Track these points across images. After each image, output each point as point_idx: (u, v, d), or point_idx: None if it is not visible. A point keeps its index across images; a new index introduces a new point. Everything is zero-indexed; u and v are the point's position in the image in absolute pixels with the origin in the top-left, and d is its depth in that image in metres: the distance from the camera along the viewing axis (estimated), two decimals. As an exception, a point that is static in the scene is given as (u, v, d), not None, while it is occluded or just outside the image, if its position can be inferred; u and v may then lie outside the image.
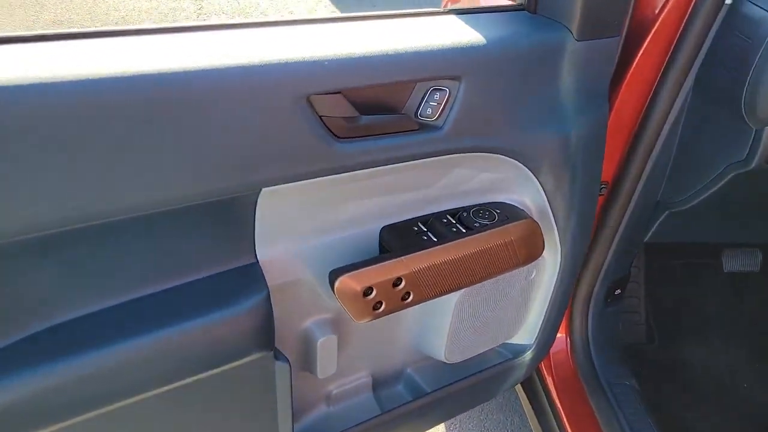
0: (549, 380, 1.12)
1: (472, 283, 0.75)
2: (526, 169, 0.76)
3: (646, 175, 0.92)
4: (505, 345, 0.98)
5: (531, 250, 0.77)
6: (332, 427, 0.86)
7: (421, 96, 0.67)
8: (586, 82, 0.75)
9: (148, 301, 0.60)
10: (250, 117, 0.56)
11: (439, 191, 0.77)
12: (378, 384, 0.92)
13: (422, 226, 0.74)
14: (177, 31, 0.58)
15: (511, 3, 0.78)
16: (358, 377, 0.89)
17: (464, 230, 0.74)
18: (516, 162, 0.75)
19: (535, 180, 0.78)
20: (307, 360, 0.80)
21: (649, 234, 1.10)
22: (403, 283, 0.68)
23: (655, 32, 0.81)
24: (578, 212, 0.83)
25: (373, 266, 0.66)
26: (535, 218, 0.80)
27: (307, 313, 0.77)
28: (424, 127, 0.68)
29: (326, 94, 0.59)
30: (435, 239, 0.72)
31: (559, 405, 1.09)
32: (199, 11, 3.37)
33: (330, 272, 0.66)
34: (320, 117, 0.60)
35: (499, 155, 0.74)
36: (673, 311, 1.43)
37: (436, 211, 0.78)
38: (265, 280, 0.66)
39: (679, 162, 0.97)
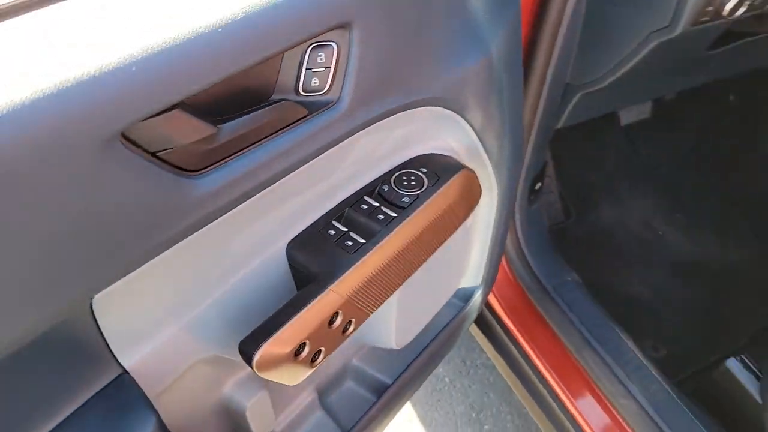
0: (496, 304, 1.13)
1: (417, 267, 0.63)
2: (450, 112, 0.63)
3: (556, 57, 0.85)
4: (454, 294, 0.97)
5: (470, 202, 0.68)
6: None
7: (297, 62, 0.47)
8: None
9: None
10: (37, 192, 0.34)
11: (346, 171, 0.60)
12: (324, 393, 0.83)
13: (339, 226, 0.59)
14: None
15: None
16: (302, 400, 0.79)
17: (393, 213, 0.59)
18: (437, 108, 0.62)
19: (462, 120, 0.65)
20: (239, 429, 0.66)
21: (562, 120, 1.09)
22: (340, 317, 0.54)
23: None
24: (510, 138, 0.74)
25: (299, 314, 0.51)
26: (465, 161, 0.72)
27: (218, 386, 0.62)
28: (314, 108, 0.49)
29: (151, 117, 0.39)
30: (362, 240, 0.57)
31: (510, 325, 1.11)
32: None
33: (240, 344, 0.49)
34: (154, 155, 0.40)
35: (418, 108, 0.59)
36: (580, 176, 1.50)
37: (348, 194, 0.62)
38: (140, 391, 0.50)
39: (590, 38, 0.92)
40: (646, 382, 0.98)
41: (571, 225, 1.45)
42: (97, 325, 0.45)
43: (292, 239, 0.59)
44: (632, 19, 0.87)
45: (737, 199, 1.49)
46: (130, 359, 0.49)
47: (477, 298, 0.96)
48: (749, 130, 1.50)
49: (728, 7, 0.80)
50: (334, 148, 0.53)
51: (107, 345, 0.47)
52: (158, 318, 0.51)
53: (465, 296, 0.96)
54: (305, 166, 0.52)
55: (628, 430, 0.95)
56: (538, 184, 1.15)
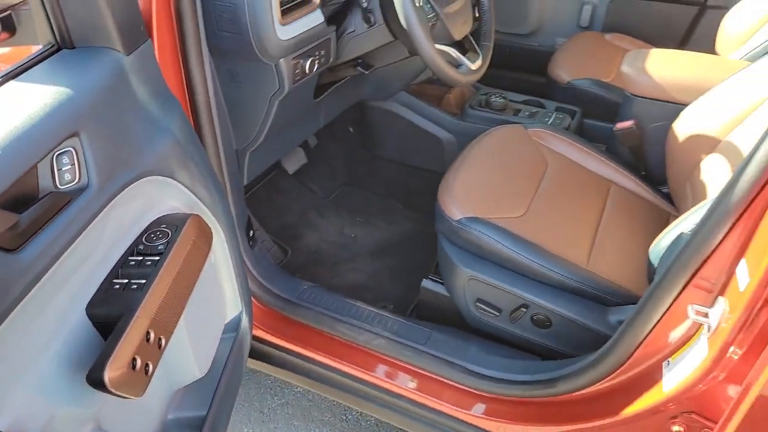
0: (263, 334, 1.38)
1: (191, 291, 0.83)
2: (166, 178, 0.88)
3: (219, 132, 1.16)
4: (225, 330, 1.18)
5: (207, 239, 0.91)
6: None
7: (49, 168, 0.67)
8: (154, 85, 0.86)
9: None
10: None
11: (107, 243, 0.80)
12: None
13: (120, 280, 0.77)
14: None
15: (41, 48, 0.80)
16: None
17: (156, 257, 0.79)
18: (157, 177, 0.85)
19: (175, 182, 0.90)
20: None
21: (245, 177, 1.42)
22: (152, 333, 0.72)
23: (158, 21, 0.99)
24: (214, 189, 1.02)
25: (122, 338, 0.68)
26: (191, 212, 0.95)
27: None
28: (75, 194, 0.70)
29: None
30: (143, 280, 0.76)
31: (281, 342, 1.37)
32: None
33: (87, 376, 0.65)
34: None
35: (142, 179, 0.82)
36: (280, 221, 1.90)
37: (116, 259, 0.81)
38: None
39: (237, 112, 1.27)
40: (384, 322, 1.35)
41: (291, 259, 1.79)
42: None
43: (89, 303, 0.75)
44: (256, 91, 1.25)
45: (383, 192, 2.05)
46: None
47: (244, 322, 1.19)
48: (370, 144, 2.08)
49: (307, 66, 1.25)
50: (96, 221, 0.73)
51: None
52: (10, 383, 0.62)
53: (234, 326, 1.19)
54: (82, 240, 0.71)
55: (386, 357, 1.30)
56: (252, 232, 1.45)
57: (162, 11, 1.03)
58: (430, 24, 1.23)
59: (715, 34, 1.96)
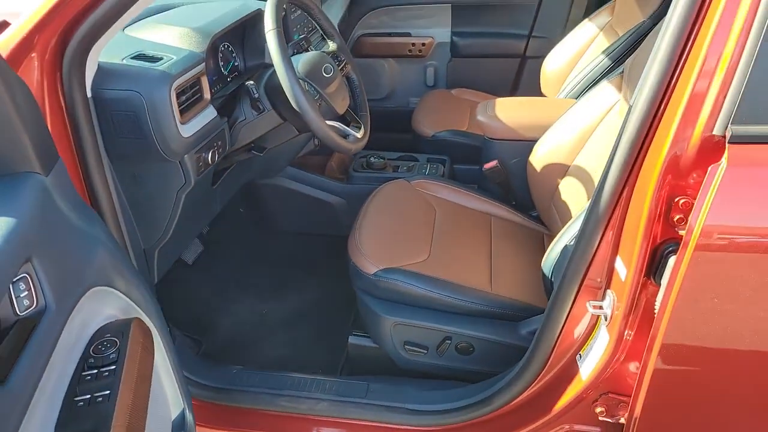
0: (203, 430, 1.37)
1: (149, 389, 0.84)
2: (105, 287, 0.89)
3: (125, 232, 1.18)
4: (173, 428, 1.16)
5: (151, 338, 0.92)
6: None
7: (7, 297, 0.69)
8: (72, 199, 0.88)
9: None
10: None
11: (60, 363, 0.78)
12: None
13: (82, 396, 0.76)
14: None
15: None
16: None
17: (112, 366, 0.80)
18: (99, 287, 0.87)
19: (113, 290, 0.92)
20: None
21: (156, 276, 1.42)
22: None
23: (54, 137, 0.99)
24: (143, 286, 1.03)
25: None
26: (128, 316, 0.95)
27: None
28: (38, 317, 0.71)
29: None
30: (107, 391, 0.76)
31: None
32: None
33: None
34: None
35: (87, 292, 0.83)
36: (188, 314, 1.91)
37: (67, 381, 0.79)
38: None
39: (143, 212, 1.28)
40: (322, 386, 1.40)
41: (209, 348, 1.77)
42: None
43: (56, 426, 0.74)
44: (162, 188, 1.28)
45: (285, 264, 2.11)
46: None
47: (189, 418, 1.17)
48: (264, 221, 2.14)
49: (209, 158, 1.31)
50: (60, 342, 0.73)
51: None
52: None
53: (180, 423, 1.17)
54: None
55: (332, 419, 1.35)
56: (168, 329, 1.43)
57: (56, 126, 1.06)
58: (318, 104, 1.36)
59: (539, 79, 2.34)
